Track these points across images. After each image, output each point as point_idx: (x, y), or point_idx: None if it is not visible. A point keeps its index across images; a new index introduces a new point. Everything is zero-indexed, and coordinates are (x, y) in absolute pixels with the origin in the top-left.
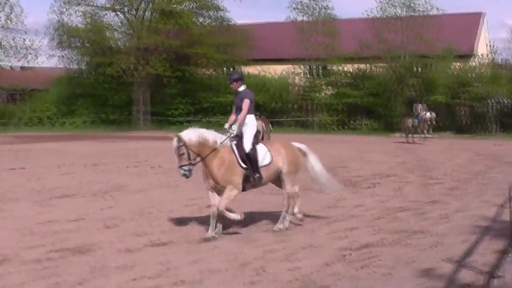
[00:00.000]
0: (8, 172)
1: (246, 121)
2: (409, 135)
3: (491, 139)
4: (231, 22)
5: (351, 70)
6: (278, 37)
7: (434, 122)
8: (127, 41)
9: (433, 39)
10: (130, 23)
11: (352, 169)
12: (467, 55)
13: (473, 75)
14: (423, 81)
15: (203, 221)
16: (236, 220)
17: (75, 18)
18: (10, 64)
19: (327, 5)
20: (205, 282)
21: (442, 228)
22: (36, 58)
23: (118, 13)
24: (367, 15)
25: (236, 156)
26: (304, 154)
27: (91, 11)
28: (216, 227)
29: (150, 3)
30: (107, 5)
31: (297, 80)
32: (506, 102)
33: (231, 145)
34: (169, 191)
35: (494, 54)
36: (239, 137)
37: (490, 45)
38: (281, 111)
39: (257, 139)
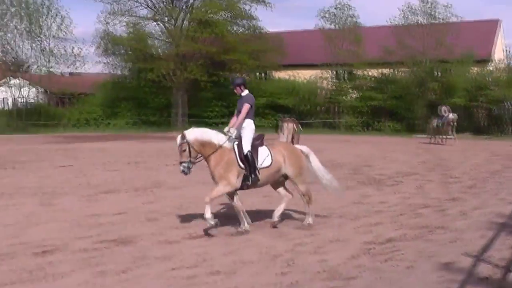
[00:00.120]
0: (58, 169)
1: (244, 125)
2: (434, 136)
3: (507, 140)
4: (263, 30)
5: (375, 74)
6: (307, 44)
7: (455, 123)
8: (166, 48)
9: (453, 45)
10: (169, 32)
11: (376, 168)
12: (484, 60)
13: (490, 79)
14: (443, 85)
15: (236, 215)
16: (208, 224)
17: (120, 27)
18: (60, 70)
19: (353, 14)
20: (239, 272)
21: (461, 224)
22: (84, 65)
23: (159, 22)
24: (390, 22)
25: (236, 155)
26: (306, 156)
27: (134, 21)
28: (245, 221)
29: (188, 14)
30: (149, 16)
31: (325, 84)
32: None
33: (233, 145)
34: (205, 187)
35: (510, 59)
36: (240, 138)
37: (506, 51)
38: (309, 113)
39: (261, 141)
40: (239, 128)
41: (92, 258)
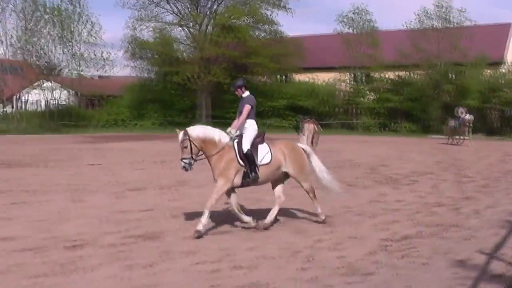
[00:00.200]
0: (87, 167)
1: (247, 125)
2: (451, 136)
3: None
4: (283, 34)
5: (391, 77)
6: (326, 48)
7: (471, 124)
8: (191, 52)
9: (466, 48)
10: (194, 36)
11: (392, 167)
12: (497, 63)
13: (503, 81)
14: (457, 87)
15: (259, 212)
16: (203, 223)
17: (147, 33)
18: (90, 74)
19: (370, 19)
20: (261, 267)
21: (474, 222)
22: (112, 68)
23: (184, 28)
24: (406, 26)
25: (236, 153)
26: (308, 155)
27: (161, 27)
28: (244, 218)
29: (212, 19)
30: (175, 21)
31: (343, 86)
32: None
33: (233, 143)
34: None
35: None
36: (240, 137)
37: None
38: (328, 115)
39: (262, 139)
40: (240, 128)
41: (120, 252)
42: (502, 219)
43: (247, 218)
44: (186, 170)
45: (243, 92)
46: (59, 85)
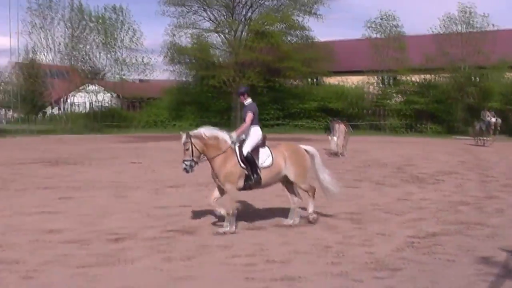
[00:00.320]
0: (129, 165)
1: (251, 131)
2: (478, 138)
3: None
4: (314, 39)
5: (417, 80)
6: (355, 52)
7: (499, 127)
8: (227, 57)
9: (489, 52)
10: (229, 42)
11: (418, 167)
12: None
13: None
14: (480, 90)
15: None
16: (230, 226)
17: (185, 39)
18: (131, 78)
19: (397, 24)
20: (293, 261)
21: (497, 220)
22: (152, 72)
23: (220, 34)
24: (432, 31)
25: (237, 156)
26: (312, 156)
27: (198, 33)
28: (217, 212)
29: (247, 25)
30: (211, 28)
31: (371, 89)
32: None
33: (235, 147)
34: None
35: None
36: (242, 141)
37: None
38: (357, 116)
39: (263, 143)
40: (245, 134)
41: (160, 245)
42: None
43: (222, 211)
44: (187, 171)
45: (245, 99)
46: (103, 88)
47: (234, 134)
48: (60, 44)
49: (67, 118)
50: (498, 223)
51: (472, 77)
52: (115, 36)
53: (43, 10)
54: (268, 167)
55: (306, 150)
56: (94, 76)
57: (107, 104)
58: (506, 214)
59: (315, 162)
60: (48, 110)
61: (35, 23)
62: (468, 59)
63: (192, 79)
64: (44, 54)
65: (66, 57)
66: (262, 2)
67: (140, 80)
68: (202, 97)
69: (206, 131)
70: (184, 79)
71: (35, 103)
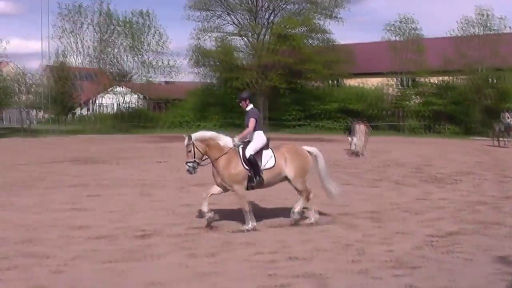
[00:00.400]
0: (155, 164)
1: (255, 136)
2: (497, 139)
3: None
4: (335, 42)
5: (436, 81)
6: (374, 54)
7: None
8: (250, 60)
9: (506, 54)
10: (252, 45)
11: (437, 167)
12: None
13: None
14: (498, 91)
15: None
16: (250, 223)
17: (209, 42)
18: (157, 80)
19: (416, 27)
20: (315, 259)
21: None
22: (178, 75)
23: (243, 37)
24: (450, 34)
25: (240, 158)
26: (315, 157)
27: (222, 37)
28: (209, 215)
29: (269, 29)
30: (235, 32)
31: (390, 90)
32: None
33: (238, 149)
34: (283, 182)
35: None
36: (246, 143)
37: None
38: (377, 117)
39: (267, 145)
40: (242, 139)
41: (184, 242)
42: None
43: (206, 210)
44: (190, 173)
45: (247, 105)
46: (130, 90)
47: (236, 138)
48: (89, 47)
49: (96, 119)
50: None
51: (490, 79)
52: (142, 39)
53: (73, 15)
54: (270, 168)
55: (309, 152)
56: (121, 78)
57: (134, 105)
58: None
59: (318, 163)
60: (77, 111)
61: (66, 28)
62: (486, 61)
63: (216, 81)
64: (73, 57)
65: (94, 60)
66: (284, 6)
67: (166, 82)
68: (226, 99)
69: (207, 133)
70: (208, 81)
71: (65, 104)
